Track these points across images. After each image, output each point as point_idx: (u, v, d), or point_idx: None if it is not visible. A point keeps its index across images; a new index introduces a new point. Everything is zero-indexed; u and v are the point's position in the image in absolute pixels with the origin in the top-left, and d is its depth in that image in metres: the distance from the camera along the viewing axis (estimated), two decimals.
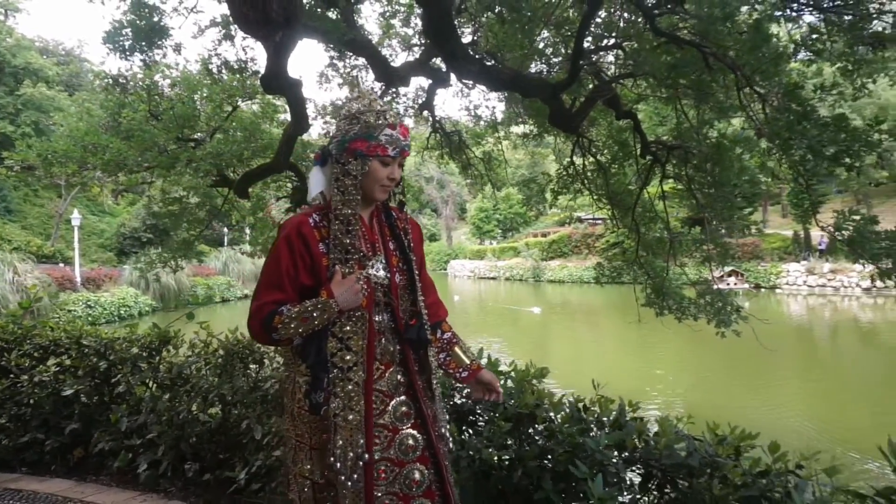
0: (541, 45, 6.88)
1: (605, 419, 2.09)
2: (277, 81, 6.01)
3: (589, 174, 7.83)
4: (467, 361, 1.88)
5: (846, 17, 3.92)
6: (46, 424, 3.62)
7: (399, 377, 1.71)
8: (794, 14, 4.28)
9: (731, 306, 5.80)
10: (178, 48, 6.50)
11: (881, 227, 4.31)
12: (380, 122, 1.63)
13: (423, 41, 8.73)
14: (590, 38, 6.49)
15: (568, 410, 2.16)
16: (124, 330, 3.80)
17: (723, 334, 5.96)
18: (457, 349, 1.90)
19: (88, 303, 20.88)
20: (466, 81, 7.54)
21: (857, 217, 4.02)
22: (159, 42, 6.17)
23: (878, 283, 4.26)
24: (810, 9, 4.08)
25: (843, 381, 13.33)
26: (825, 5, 3.95)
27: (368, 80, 9.14)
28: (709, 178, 5.88)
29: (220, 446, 3.18)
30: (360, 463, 1.57)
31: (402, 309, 1.74)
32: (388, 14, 9.49)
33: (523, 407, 2.16)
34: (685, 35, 5.07)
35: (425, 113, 10.13)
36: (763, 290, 29.66)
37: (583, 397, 2.23)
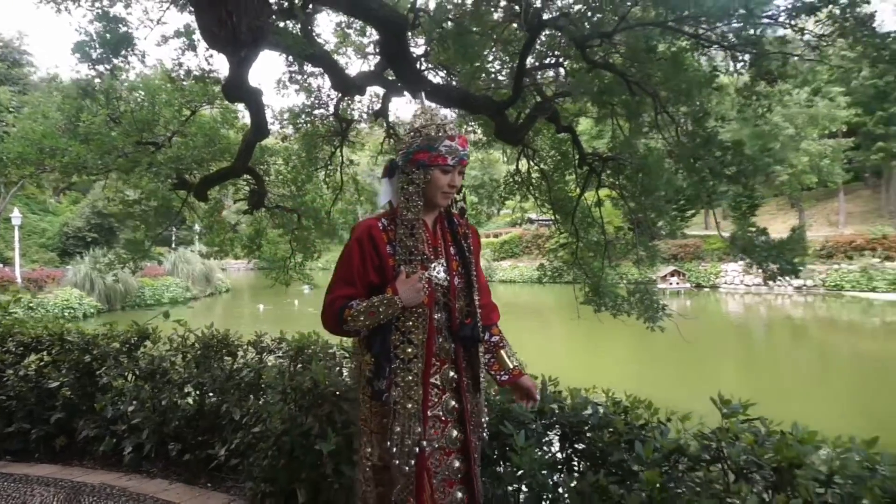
0: (489, 58, 7.40)
1: None
2: (239, 90, 6.33)
3: (533, 181, 8.40)
4: (510, 366, 2.02)
5: (748, 56, 4.57)
6: (31, 415, 3.91)
7: (451, 373, 1.86)
8: (706, 50, 4.90)
9: (657, 304, 6.45)
10: (143, 57, 6.72)
11: (811, 233, 4.98)
12: (440, 134, 1.79)
13: (377, 50, 9.12)
14: (533, 56, 7.04)
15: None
16: (104, 327, 4.11)
17: (651, 329, 6.62)
18: (502, 353, 2.04)
19: (30, 304, 20.37)
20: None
21: (752, 230, 4.67)
22: (125, 52, 6.39)
23: (773, 283, 4.92)
24: (718, 46, 4.71)
25: (763, 366, 14.44)
26: (731, 44, 4.58)
27: (325, 86, 9.49)
28: (639, 186, 6.50)
29: (198, 429, 3.56)
30: (416, 449, 1.72)
31: (458, 309, 1.88)
32: (343, 24, 9.85)
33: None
34: (616, 60, 5.68)
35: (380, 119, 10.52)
36: (706, 289, 31.10)
37: None
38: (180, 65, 7.63)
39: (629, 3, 4.01)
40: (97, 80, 7.14)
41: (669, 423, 2.14)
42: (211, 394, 3.53)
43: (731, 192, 4.70)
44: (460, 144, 1.81)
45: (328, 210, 10.71)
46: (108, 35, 6.02)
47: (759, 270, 4.65)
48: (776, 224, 37.74)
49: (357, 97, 10.54)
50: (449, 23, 6.47)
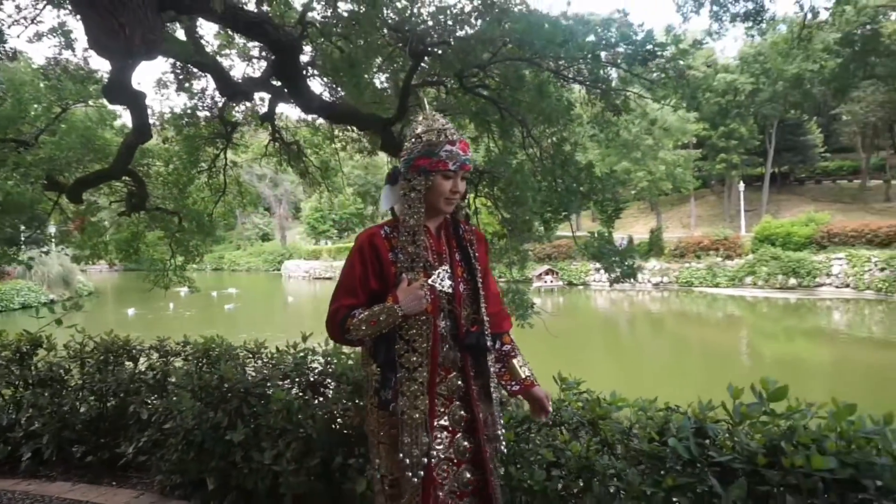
0: (375, 73, 7.81)
1: None
2: (121, 93, 6.28)
3: None
4: (522, 376, 1.98)
5: (599, 90, 5.39)
6: None
7: (459, 382, 1.85)
8: (567, 84, 5.68)
9: (528, 303, 7.22)
10: (13, 56, 6.46)
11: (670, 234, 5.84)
12: (441, 139, 1.78)
13: (262, 54, 9.22)
14: (417, 74, 7.56)
15: None
16: None
17: (521, 326, 7.38)
18: (514, 362, 2.01)
19: None
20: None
21: (599, 238, 5.51)
22: None
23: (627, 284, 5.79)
24: (575, 82, 5.48)
25: (626, 353, 16.08)
26: (585, 81, 5.37)
27: (210, 88, 9.43)
28: (511, 197, 7.22)
29: (101, 432, 3.71)
30: (425, 460, 1.71)
31: (465, 317, 1.86)
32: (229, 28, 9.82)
33: (361, 375, 3.07)
34: (492, 83, 6.34)
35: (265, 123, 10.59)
36: (578, 286, 33.26)
37: None
38: (56, 62, 7.38)
39: (500, 43, 4.63)
40: None
41: None
42: (111, 396, 3.70)
43: (592, 203, 5.49)
44: (461, 149, 1.80)
45: (210, 212, 10.61)
46: None
47: (606, 273, 5.49)
48: (638, 226, 41.36)
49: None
50: (335, 37, 6.83)
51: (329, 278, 44.52)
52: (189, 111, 9.33)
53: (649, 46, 4.61)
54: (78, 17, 7.27)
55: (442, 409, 1.81)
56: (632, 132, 28.97)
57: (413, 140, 1.84)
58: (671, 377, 13.48)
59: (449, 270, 1.85)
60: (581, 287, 32.91)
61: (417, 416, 1.72)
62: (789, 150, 41.44)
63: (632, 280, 5.44)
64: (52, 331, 4.16)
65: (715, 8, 6.77)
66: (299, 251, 53.24)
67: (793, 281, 27.03)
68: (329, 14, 6.18)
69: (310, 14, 7.26)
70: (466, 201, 1.98)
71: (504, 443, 1.91)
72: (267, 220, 62.79)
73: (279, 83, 5.99)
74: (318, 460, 2.88)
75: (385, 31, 6.46)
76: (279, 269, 52.20)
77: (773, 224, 29.79)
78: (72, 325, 4.02)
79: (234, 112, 9.95)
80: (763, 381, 1.79)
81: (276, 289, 43.04)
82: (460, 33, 4.51)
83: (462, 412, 1.84)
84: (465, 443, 1.83)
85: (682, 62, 4.69)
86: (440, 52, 5.24)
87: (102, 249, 10.79)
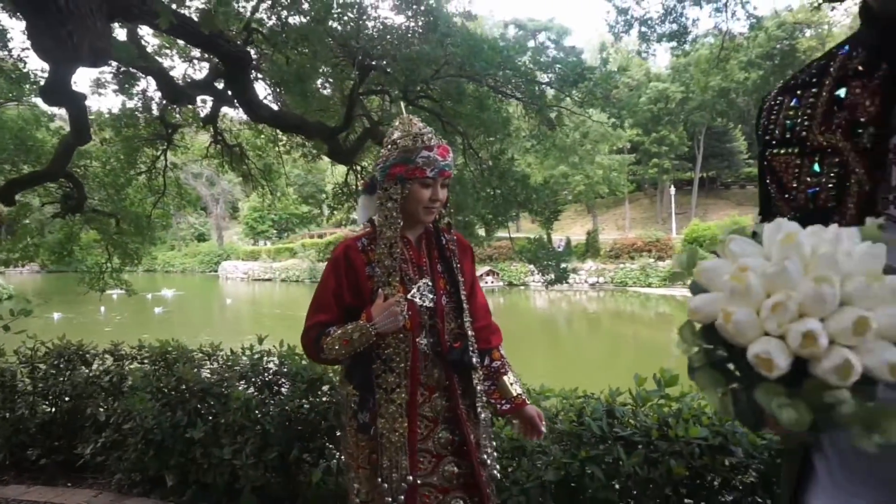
0: (320, 83, 8.00)
1: None
2: (60, 95, 6.24)
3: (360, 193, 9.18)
4: (513, 394, 1.86)
5: (536, 105, 5.80)
6: None
7: (444, 402, 1.74)
8: (506, 100, 6.07)
9: None
10: None
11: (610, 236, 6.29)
12: (417, 144, 1.66)
13: (204, 55, 9.23)
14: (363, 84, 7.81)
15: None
16: None
17: None
18: (504, 379, 1.89)
19: None
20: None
21: (537, 242, 5.92)
22: None
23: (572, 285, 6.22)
24: (513, 97, 5.87)
25: (564, 349, 16.75)
26: (516, 95, 5.78)
27: (150, 89, 9.35)
28: (454, 204, 7.57)
29: (54, 435, 3.81)
30: (404, 485, 1.61)
31: (448, 332, 1.75)
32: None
33: (313, 373, 3.32)
34: (434, 93, 6.65)
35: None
36: (519, 286, 34.00)
37: None
38: None
39: (443, 61, 4.95)
40: None
41: None
42: (67, 398, 3.80)
43: (529, 210, 5.89)
44: (440, 154, 1.68)
45: (148, 214, 10.51)
46: None
47: (541, 276, 5.91)
48: (576, 227, 42.72)
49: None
50: (281, 45, 6.99)
51: (268, 280, 43.85)
52: (128, 112, 9.23)
53: (579, 70, 5.05)
54: (15, 17, 7.18)
55: (425, 433, 1.70)
56: (569, 138, 30.00)
57: (389, 147, 1.73)
58: (602, 370, 14.13)
59: (430, 284, 1.74)
60: (521, 287, 33.68)
61: (396, 438, 1.63)
62: (716, 157, 43.78)
63: (565, 282, 5.85)
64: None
65: (643, 29, 7.34)
66: (237, 252, 52.14)
67: None
68: (277, 24, 6.34)
69: (256, 20, 7.40)
70: (448, 209, 1.81)
71: (497, 467, 1.80)
72: (203, 220, 61.03)
73: (230, 92, 6.11)
74: (275, 454, 3.10)
75: (331, 40, 6.69)
76: (216, 271, 50.94)
77: (700, 227, 31.37)
78: (21, 331, 4.08)
79: (174, 113, 9.90)
80: (661, 370, 2.17)
81: (213, 290, 42.06)
82: (406, 51, 4.79)
83: (448, 434, 1.73)
84: (454, 468, 1.71)
85: (608, 84, 5.15)
86: (386, 65, 5.50)
87: (34, 252, 10.53)
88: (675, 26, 7.33)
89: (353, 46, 4.93)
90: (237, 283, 44.99)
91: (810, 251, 0.61)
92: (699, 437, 1.96)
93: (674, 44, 7.49)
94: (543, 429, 1.87)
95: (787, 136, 0.86)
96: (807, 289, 0.57)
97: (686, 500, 2.03)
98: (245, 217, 54.19)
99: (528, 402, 1.88)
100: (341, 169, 10.09)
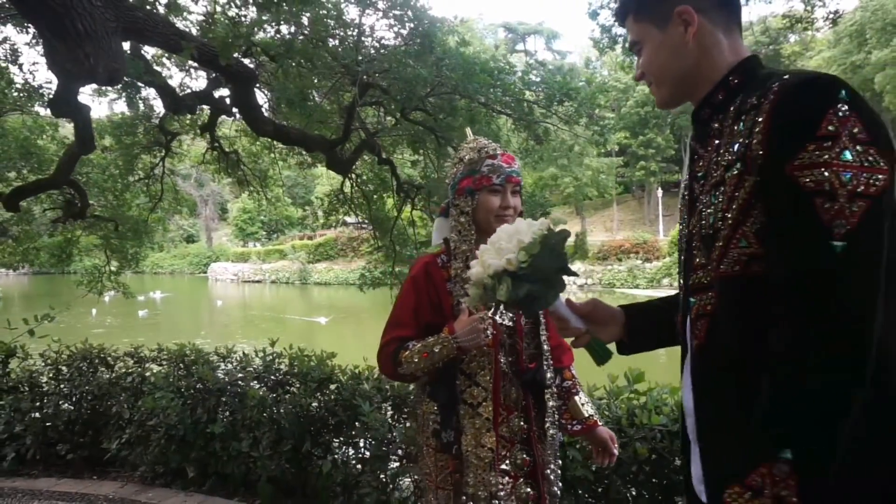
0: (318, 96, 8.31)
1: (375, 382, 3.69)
2: (67, 106, 6.53)
3: (355, 200, 9.49)
4: (584, 415, 1.85)
5: (524, 121, 6.15)
6: None
7: (522, 423, 1.71)
8: (497, 116, 6.42)
9: None
10: None
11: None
12: (481, 156, 1.70)
13: (203, 65, 9.51)
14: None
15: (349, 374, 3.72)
16: None
17: None
18: (575, 399, 1.87)
19: None
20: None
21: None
22: None
23: None
24: (503, 113, 6.23)
25: None
26: (506, 112, 6.13)
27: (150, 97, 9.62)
28: None
29: (79, 432, 4.11)
30: (494, 502, 1.58)
31: (525, 351, 1.74)
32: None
33: (322, 373, 3.65)
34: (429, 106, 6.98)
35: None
36: None
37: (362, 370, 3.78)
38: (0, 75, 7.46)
39: (437, 81, 5.28)
40: None
41: None
42: (91, 398, 4.11)
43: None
44: (504, 161, 1.70)
45: (145, 219, 10.79)
46: None
47: None
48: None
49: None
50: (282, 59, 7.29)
51: (258, 281, 43.90)
52: (128, 121, 9.51)
53: (565, 90, 5.40)
54: (24, 32, 7.45)
55: (504, 453, 1.67)
56: (558, 141, 30.46)
57: (456, 164, 1.78)
58: (583, 369, 14.55)
59: None
60: None
61: (484, 453, 1.60)
62: None
63: None
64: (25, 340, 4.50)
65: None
66: (226, 253, 52.09)
67: None
68: (279, 42, 6.65)
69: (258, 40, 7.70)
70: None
71: (559, 485, 1.77)
72: (192, 222, 60.84)
73: (235, 109, 6.42)
74: (289, 447, 3.43)
75: (331, 58, 7.01)
76: (205, 272, 50.90)
77: None
78: (45, 336, 4.39)
79: (173, 121, 10.17)
80: (630, 369, 2.53)
81: (203, 292, 42.10)
82: (403, 73, 5.11)
83: (524, 456, 1.70)
84: (529, 489, 1.69)
85: (593, 104, 5.50)
86: (385, 84, 5.81)
87: (34, 255, 10.80)
88: None
89: (354, 68, 5.23)
90: (227, 285, 45.02)
91: (505, 231, 1.29)
92: (660, 423, 2.32)
93: None
94: (616, 451, 1.86)
95: None
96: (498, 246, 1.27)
97: (651, 478, 2.40)
98: (234, 219, 54.12)
99: (599, 424, 1.88)
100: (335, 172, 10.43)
